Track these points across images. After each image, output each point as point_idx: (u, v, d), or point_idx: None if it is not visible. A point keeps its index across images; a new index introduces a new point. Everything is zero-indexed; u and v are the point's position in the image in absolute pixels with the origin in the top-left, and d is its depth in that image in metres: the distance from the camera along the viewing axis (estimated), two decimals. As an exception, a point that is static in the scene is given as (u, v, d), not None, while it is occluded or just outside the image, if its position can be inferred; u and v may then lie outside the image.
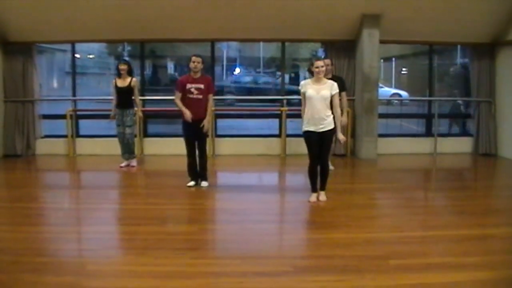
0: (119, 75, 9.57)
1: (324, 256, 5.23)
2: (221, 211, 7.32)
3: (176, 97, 7.81)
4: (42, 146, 11.35)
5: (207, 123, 7.85)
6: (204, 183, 8.11)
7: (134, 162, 9.94)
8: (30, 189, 8.57)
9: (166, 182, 8.39)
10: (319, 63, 6.87)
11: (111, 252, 5.50)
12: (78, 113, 11.59)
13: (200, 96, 7.75)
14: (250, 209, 7.06)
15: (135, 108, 9.77)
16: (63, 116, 11.24)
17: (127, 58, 16.50)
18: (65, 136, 11.23)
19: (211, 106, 7.99)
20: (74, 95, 11.73)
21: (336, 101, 6.97)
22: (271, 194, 8.39)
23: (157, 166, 10.44)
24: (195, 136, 7.91)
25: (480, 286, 4.48)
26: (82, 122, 11.71)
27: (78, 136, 11.45)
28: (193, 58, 7.73)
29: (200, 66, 7.75)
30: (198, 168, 8.12)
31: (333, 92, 6.87)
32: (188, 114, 7.62)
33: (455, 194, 8.10)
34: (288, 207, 7.59)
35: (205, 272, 4.79)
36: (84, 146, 11.28)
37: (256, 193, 8.14)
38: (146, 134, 11.46)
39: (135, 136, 10.82)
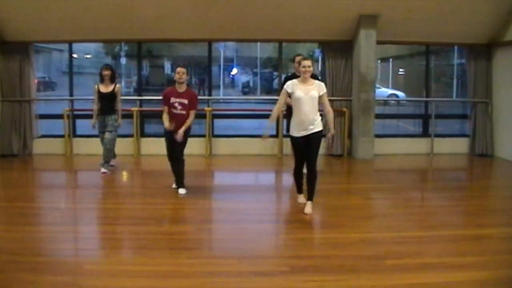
0: (102, 80, 9.19)
1: (321, 256, 5.25)
2: (217, 211, 7.32)
3: (164, 111, 7.61)
4: (39, 146, 11.33)
5: (181, 133, 7.50)
6: (181, 191, 7.81)
7: (105, 169, 9.35)
8: (27, 189, 8.57)
9: (162, 182, 8.38)
10: (307, 62, 6.58)
11: (108, 252, 5.51)
12: (75, 112, 11.57)
13: (183, 112, 7.52)
14: (247, 209, 7.06)
15: (116, 116, 9.32)
16: (60, 116, 11.24)
17: (124, 59, 16.51)
18: (62, 136, 11.22)
19: (190, 121, 7.63)
20: (71, 94, 11.72)
21: (326, 101, 6.69)
22: (268, 194, 8.42)
23: (153, 166, 10.42)
24: (173, 145, 7.69)
25: (476, 286, 4.50)
26: (79, 122, 11.69)
27: (75, 135, 11.44)
28: (178, 69, 7.50)
29: (185, 77, 7.51)
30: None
31: (321, 93, 6.62)
32: (167, 125, 7.50)
33: (451, 194, 8.13)
34: (284, 207, 7.60)
35: (202, 271, 4.79)
36: (81, 145, 11.27)
37: (252, 193, 8.15)
38: (142, 134, 11.45)
39: (131, 135, 10.88)
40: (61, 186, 9.11)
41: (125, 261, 5.18)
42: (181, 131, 7.49)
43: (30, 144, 11.25)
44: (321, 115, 6.79)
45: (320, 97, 6.65)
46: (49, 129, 11.80)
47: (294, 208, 7.09)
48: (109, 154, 9.28)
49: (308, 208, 6.75)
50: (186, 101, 7.50)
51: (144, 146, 11.28)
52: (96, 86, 9.21)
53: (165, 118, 7.57)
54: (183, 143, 7.67)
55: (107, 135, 9.18)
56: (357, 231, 6.09)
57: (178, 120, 7.52)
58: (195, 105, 7.70)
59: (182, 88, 7.54)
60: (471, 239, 5.75)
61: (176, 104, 7.49)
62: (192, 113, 7.62)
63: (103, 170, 9.28)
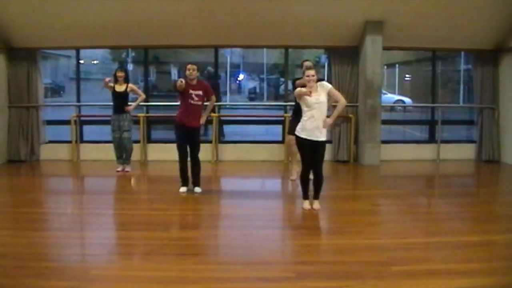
0: (116, 81, 9.73)
1: (326, 262, 5.24)
2: (224, 216, 7.34)
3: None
4: (46, 152, 11.39)
5: (204, 119, 8.21)
6: (197, 189, 8.15)
7: (128, 168, 10.02)
8: (34, 194, 8.61)
9: (169, 187, 8.40)
10: (311, 72, 6.85)
11: (115, 257, 5.53)
12: (82, 118, 11.62)
13: (199, 103, 7.95)
14: (253, 215, 7.07)
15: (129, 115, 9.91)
16: (67, 122, 11.29)
17: (131, 65, 16.64)
18: (69, 142, 11.28)
19: (211, 105, 8.38)
20: (78, 100, 11.77)
21: (336, 93, 6.96)
22: (274, 200, 8.41)
23: (160, 172, 10.47)
24: (188, 143, 8.04)
25: (482, 293, 4.49)
26: (86, 128, 11.75)
27: (82, 141, 11.49)
28: (188, 66, 7.93)
29: (195, 73, 7.92)
30: (190, 174, 8.21)
31: (327, 90, 6.87)
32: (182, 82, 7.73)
33: (458, 200, 8.08)
34: (290, 213, 7.57)
35: (208, 277, 4.80)
36: (88, 151, 11.32)
37: (259, 199, 8.15)
38: (149, 140, 11.49)
39: (138, 141, 10.92)
40: (68, 191, 9.15)
41: (131, 266, 5.19)
42: (204, 118, 8.18)
43: (37, 150, 11.31)
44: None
45: (328, 94, 6.90)
46: (56, 135, 11.85)
47: (300, 214, 7.10)
48: (130, 152, 9.98)
49: (316, 205, 7.13)
50: (200, 92, 7.94)
51: (151, 152, 11.32)
52: (113, 85, 9.71)
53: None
54: (198, 142, 8.17)
55: (126, 135, 9.81)
56: (363, 237, 6.07)
57: (193, 112, 7.93)
58: (212, 92, 8.25)
59: (194, 82, 7.95)
60: (477, 245, 5.73)
61: (193, 95, 7.88)
62: (213, 99, 8.25)
63: (121, 168, 9.97)
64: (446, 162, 11.38)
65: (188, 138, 8.00)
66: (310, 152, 6.93)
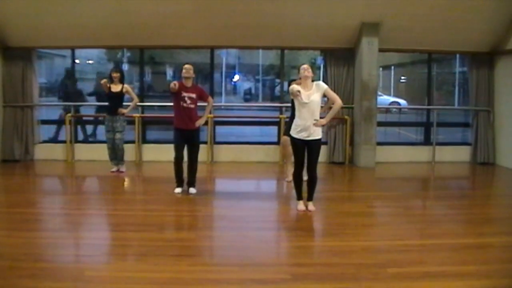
0: (111, 81, 9.71)
1: (322, 264, 5.24)
2: (219, 218, 7.32)
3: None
4: (41, 151, 11.34)
5: (201, 121, 8.09)
6: (192, 190, 8.16)
7: (123, 168, 10.01)
8: (28, 195, 8.57)
9: (164, 188, 8.37)
10: (305, 66, 6.87)
11: (110, 258, 5.51)
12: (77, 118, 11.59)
13: (192, 106, 7.94)
14: (249, 216, 7.06)
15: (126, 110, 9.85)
16: (62, 122, 11.23)
17: (126, 66, 16.60)
18: (63, 142, 11.23)
19: (209, 108, 8.42)
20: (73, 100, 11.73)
21: (331, 94, 6.96)
22: (269, 201, 8.40)
23: (155, 173, 10.43)
24: (187, 144, 8.06)
25: (477, 295, 4.49)
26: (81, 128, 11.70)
27: (77, 141, 11.45)
28: (185, 66, 7.96)
29: (191, 72, 7.94)
30: (185, 174, 8.20)
31: (322, 90, 6.84)
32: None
33: (453, 202, 8.10)
34: (286, 215, 7.56)
35: (203, 279, 4.79)
36: (82, 151, 11.28)
37: (254, 201, 8.14)
38: (144, 141, 11.46)
39: (133, 142, 10.89)
40: (63, 192, 9.13)
41: (126, 267, 5.17)
42: (202, 120, 8.10)
43: (31, 150, 11.26)
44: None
45: (324, 94, 6.89)
46: (51, 135, 11.81)
47: (296, 215, 7.09)
48: (122, 152, 9.90)
49: (311, 206, 7.14)
50: (194, 95, 7.94)
51: (146, 152, 11.29)
52: (108, 85, 9.66)
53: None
54: (198, 144, 8.17)
55: (118, 135, 9.76)
56: (359, 239, 6.08)
57: (186, 115, 7.92)
58: (207, 94, 8.36)
59: (189, 83, 7.94)
60: (473, 248, 5.74)
61: (186, 98, 7.88)
62: (210, 101, 8.33)
63: (115, 168, 9.95)
64: (441, 164, 11.40)
65: (187, 140, 8.02)
66: (303, 151, 6.93)
